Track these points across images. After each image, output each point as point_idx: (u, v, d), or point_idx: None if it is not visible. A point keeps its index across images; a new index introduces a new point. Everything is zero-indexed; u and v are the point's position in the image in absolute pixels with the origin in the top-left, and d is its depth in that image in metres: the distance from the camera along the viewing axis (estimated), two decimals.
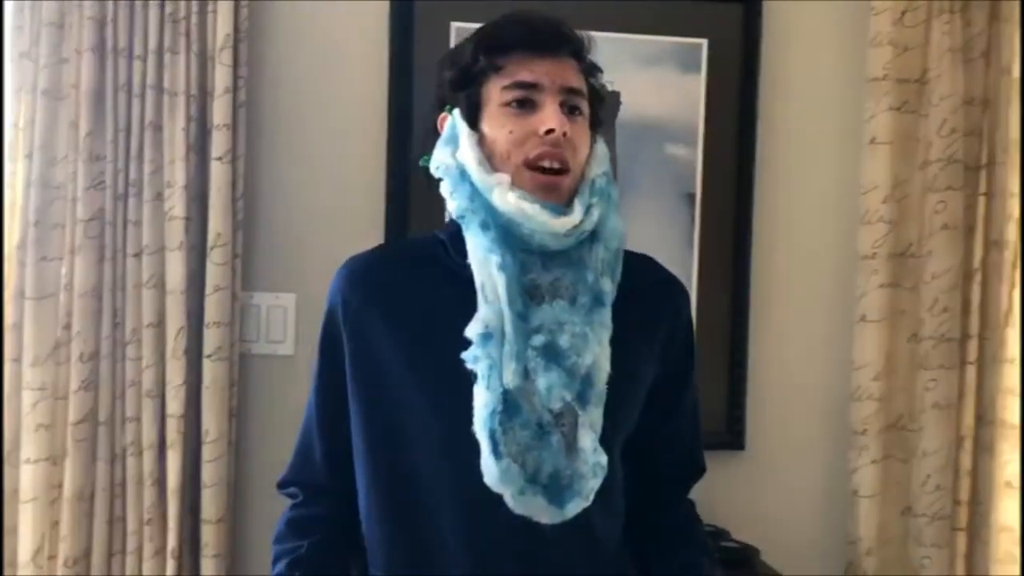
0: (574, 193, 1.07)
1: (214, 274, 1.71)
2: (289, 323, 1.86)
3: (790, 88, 1.95)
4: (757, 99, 1.93)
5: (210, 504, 1.71)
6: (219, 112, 1.70)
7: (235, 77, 1.71)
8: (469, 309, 1.04)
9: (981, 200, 1.91)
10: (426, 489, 1.09)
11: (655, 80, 1.94)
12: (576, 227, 1.04)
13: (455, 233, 1.09)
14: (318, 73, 1.84)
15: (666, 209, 1.93)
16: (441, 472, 1.07)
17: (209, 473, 1.70)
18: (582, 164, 1.07)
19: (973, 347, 1.91)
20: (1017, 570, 1.90)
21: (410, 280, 1.13)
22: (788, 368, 1.97)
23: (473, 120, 1.08)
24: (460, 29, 1.89)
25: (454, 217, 1.09)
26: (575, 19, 1.95)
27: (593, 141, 1.11)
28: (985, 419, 1.92)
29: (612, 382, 1.06)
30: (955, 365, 1.90)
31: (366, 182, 1.86)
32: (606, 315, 1.06)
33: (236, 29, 1.71)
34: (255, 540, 1.81)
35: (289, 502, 1.22)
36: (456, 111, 1.10)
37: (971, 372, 1.91)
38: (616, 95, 1.92)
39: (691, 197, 1.95)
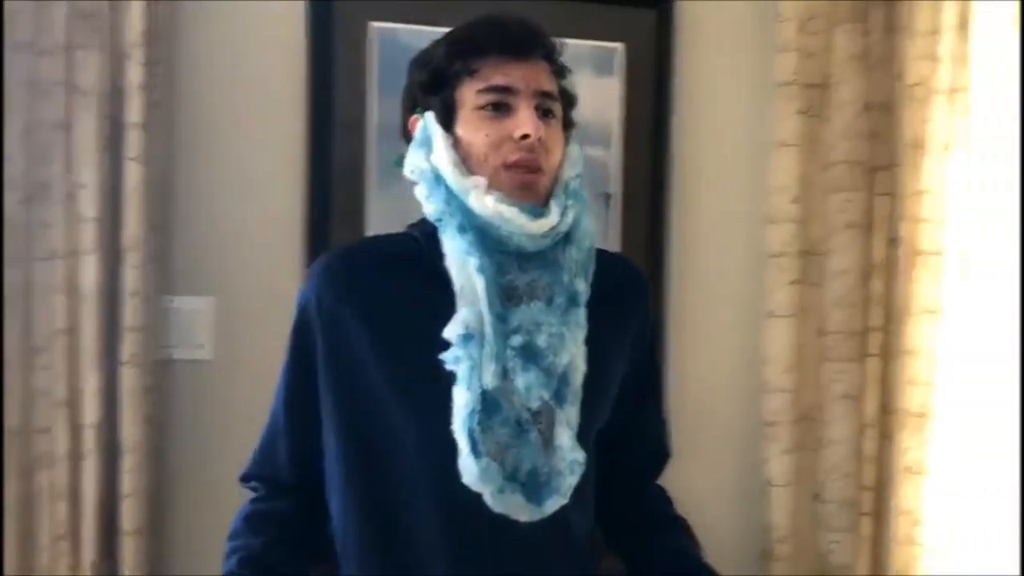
0: (549, 194, 1.09)
1: (130, 278, 1.66)
2: (208, 327, 1.82)
3: (703, 92, 2.01)
4: (671, 102, 1.99)
5: (129, 515, 1.66)
6: (133, 110, 1.65)
7: (149, 75, 1.67)
8: (446, 309, 1.06)
9: (880, 200, 2.02)
10: (404, 488, 1.10)
11: (574, 82, 1.98)
12: (553, 228, 1.07)
13: (430, 233, 1.10)
14: (235, 72, 1.81)
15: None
16: (419, 471, 1.09)
17: (127, 483, 1.66)
18: (556, 166, 1.10)
19: (875, 340, 2.01)
20: (916, 551, 2.01)
21: (386, 279, 1.14)
22: (702, 362, 2.03)
23: (447, 123, 1.10)
24: (379, 29, 1.89)
25: (431, 220, 1.09)
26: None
27: (565, 143, 1.13)
28: (887, 408, 2.02)
29: (586, 380, 1.09)
30: (859, 357, 1.99)
31: (285, 182, 1.84)
32: (581, 315, 1.10)
33: (150, 25, 1.67)
34: (176, 553, 1.78)
35: (250, 495, 1.22)
36: (429, 114, 1.11)
37: (873, 364, 2.01)
38: None
39: (607, 196, 1.99)
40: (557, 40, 1.15)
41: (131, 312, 1.66)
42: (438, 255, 1.09)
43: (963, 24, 2.01)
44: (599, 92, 1.98)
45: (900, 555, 2.03)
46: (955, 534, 2.03)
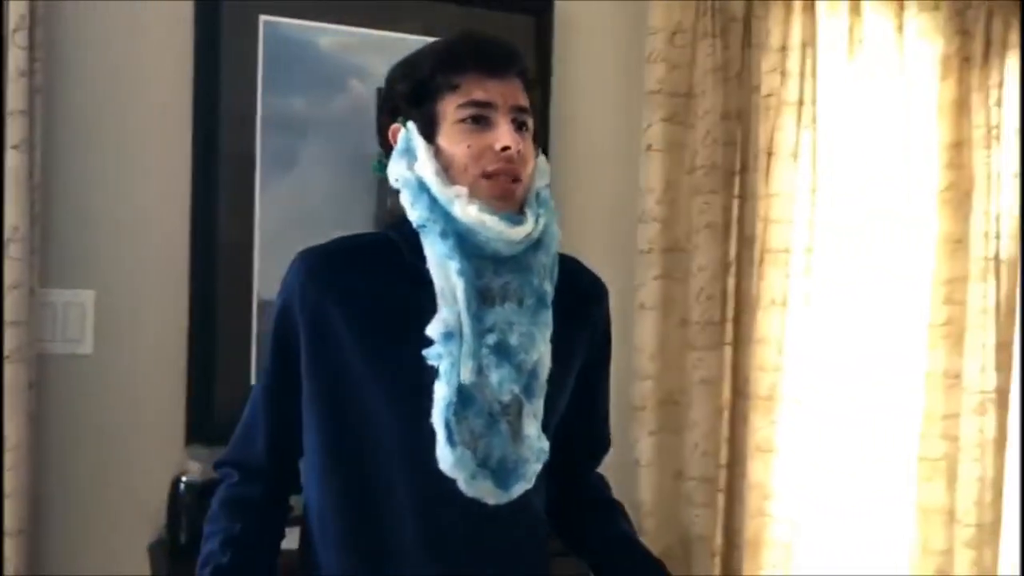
0: (523, 203, 1.15)
1: (11, 270, 1.60)
2: (88, 321, 1.78)
3: (578, 96, 2.13)
4: (549, 107, 2.09)
5: (10, 515, 1.61)
6: (15, 97, 1.60)
7: (31, 60, 1.62)
8: (425, 308, 1.11)
9: (736, 202, 2.20)
10: (383, 474, 1.15)
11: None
12: (528, 235, 1.13)
13: (409, 235, 1.15)
14: (121, 61, 1.78)
15: None
16: (397, 459, 1.14)
17: (8, 482, 1.60)
18: (531, 176, 1.16)
19: (730, 330, 2.20)
20: (766, 521, 2.21)
21: (367, 276, 1.18)
22: None
23: (428, 134, 1.14)
24: (269, 22, 1.90)
25: (415, 226, 1.14)
26: (380, 22, 2.03)
27: (535, 155, 1.19)
28: (740, 392, 2.21)
29: (550, 375, 1.16)
30: (717, 346, 2.17)
31: (171, 174, 1.83)
32: (548, 315, 1.16)
33: (32, 10, 1.61)
34: (57, 553, 1.73)
35: (225, 482, 1.24)
36: (411, 125, 1.15)
37: (728, 352, 2.20)
38: None
39: None
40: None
41: (12, 306, 1.61)
42: (419, 257, 1.14)
43: (810, 42, 2.23)
44: None
45: (752, 526, 2.23)
46: (800, 506, 2.26)
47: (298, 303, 1.18)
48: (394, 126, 1.18)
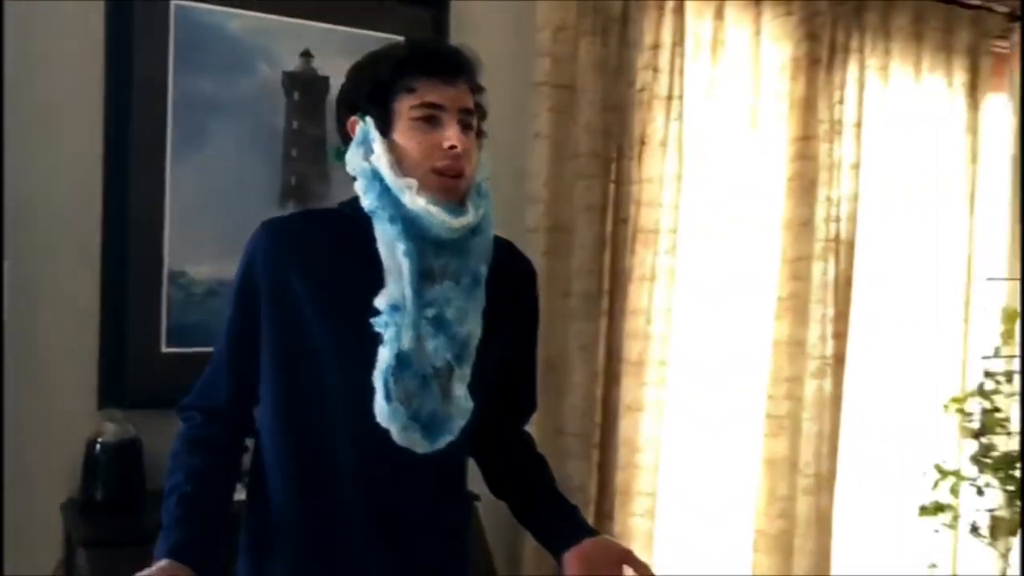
0: (465, 195, 1.31)
1: None
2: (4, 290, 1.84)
3: None
4: (484, 103, 2.24)
5: None
6: None
7: None
8: (374, 282, 1.28)
9: (612, 186, 2.42)
10: (327, 422, 1.32)
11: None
12: (467, 224, 1.29)
13: (363, 216, 1.30)
14: (35, 41, 1.83)
15: None
16: (341, 410, 1.31)
17: None
18: (473, 171, 1.32)
19: (605, 302, 2.43)
20: (635, 472, 2.47)
21: (326, 247, 1.34)
22: None
23: (385, 129, 1.29)
24: (180, 6, 1.99)
25: (367, 211, 1.29)
26: (287, 9, 2.12)
27: (479, 150, 1.35)
28: (613, 358, 2.45)
29: (481, 345, 1.33)
30: (594, 316, 2.40)
31: (83, 152, 1.91)
32: (482, 293, 1.33)
33: None
34: None
35: (188, 424, 1.39)
36: (369, 120, 1.30)
37: (604, 321, 2.43)
38: (325, 80, 2.13)
39: None
40: (477, 61, 1.36)
41: None
42: (370, 236, 1.29)
43: (679, 42, 2.46)
44: None
45: (622, 476, 2.48)
46: (664, 458, 2.53)
47: (261, 268, 1.33)
48: (352, 119, 1.33)
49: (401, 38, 2.15)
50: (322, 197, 2.13)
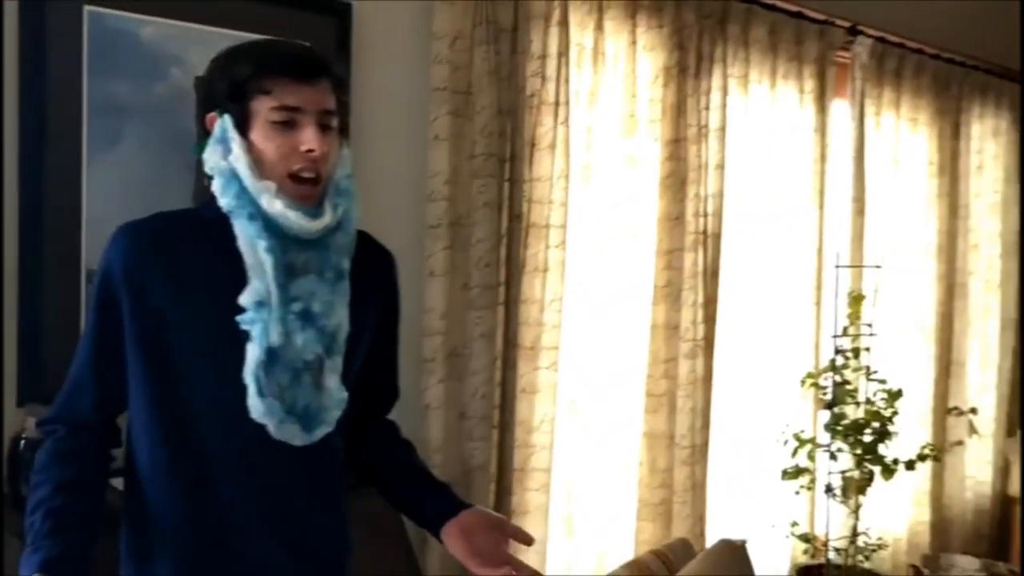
0: (324, 195, 1.34)
1: None
2: None
3: (374, 90, 2.40)
4: (348, 98, 2.36)
5: None
6: None
7: None
8: (236, 279, 1.29)
9: (506, 185, 2.59)
10: (204, 424, 1.34)
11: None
12: (325, 226, 1.32)
13: (222, 216, 1.31)
14: None
15: None
16: (216, 409, 1.34)
17: None
18: (331, 172, 1.35)
19: (502, 292, 2.60)
20: (530, 451, 2.65)
21: (185, 250, 1.35)
22: None
23: (243, 128, 1.30)
24: (93, 12, 2.03)
25: (225, 211, 1.30)
26: (197, 16, 2.17)
27: (340, 146, 1.36)
28: (511, 344, 2.63)
29: (348, 336, 1.36)
30: (492, 305, 2.56)
31: None
32: (346, 286, 1.36)
33: None
34: None
35: (51, 438, 1.37)
36: (228, 118, 1.30)
37: (501, 311, 2.60)
38: None
39: None
40: (334, 62, 1.40)
41: None
42: (230, 235, 1.29)
43: (564, 52, 2.66)
44: None
45: (519, 455, 2.65)
46: (556, 437, 2.73)
47: (121, 274, 1.32)
48: (211, 115, 1.33)
49: (304, 43, 2.32)
50: None
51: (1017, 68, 4.28)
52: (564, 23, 2.64)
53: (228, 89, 1.32)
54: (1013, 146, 4.30)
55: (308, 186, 1.32)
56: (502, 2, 2.51)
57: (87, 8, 2.01)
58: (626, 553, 2.87)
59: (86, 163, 2.04)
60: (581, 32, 2.74)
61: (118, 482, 1.46)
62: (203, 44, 2.17)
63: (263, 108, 1.30)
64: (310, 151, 1.30)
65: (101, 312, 1.37)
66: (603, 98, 2.80)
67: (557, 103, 2.64)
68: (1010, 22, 4.34)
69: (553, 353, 2.68)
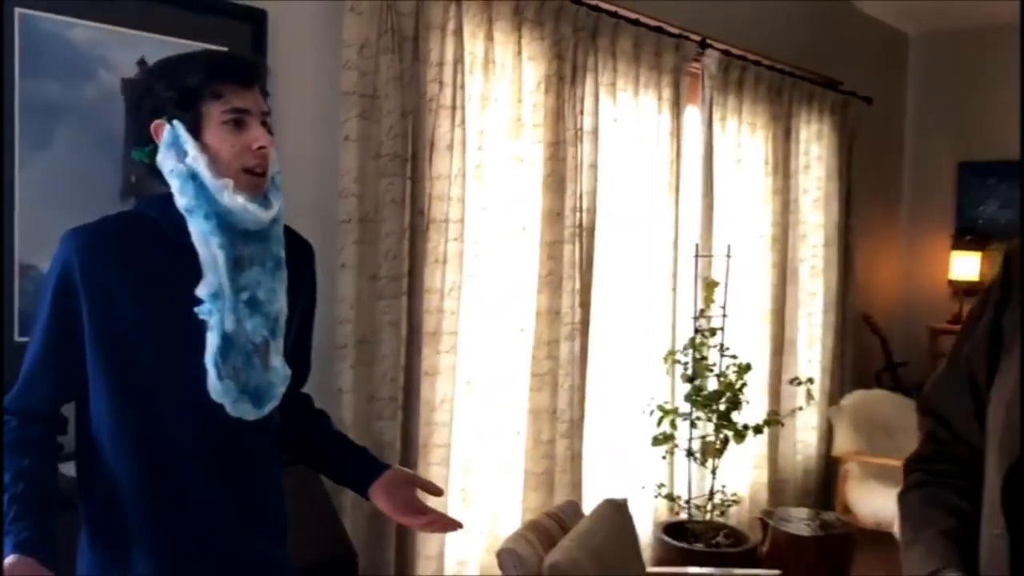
0: (267, 188, 1.47)
1: None
2: None
3: (289, 95, 2.52)
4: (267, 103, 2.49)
5: None
6: None
7: None
8: (190, 273, 1.42)
9: (409, 183, 2.79)
10: (167, 405, 1.47)
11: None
12: (274, 216, 1.47)
13: (173, 214, 1.43)
14: None
15: None
16: (177, 392, 1.46)
17: None
18: (271, 167, 1.48)
19: (406, 282, 2.80)
20: (433, 428, 2.87)
21: (138, 247, 1.46)
22: None
23: (195, 132, 1.41)
24: (24, 15, 2.09)
25: (183, 210, 1.41)
26: (124, 21, 2.26)
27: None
28: (415, 331, 2.83)
29: (288, 320, 1.52)
30: (398, 295, 2.76)
31: None
32: (284, 274, 1.50)
33: None
34: None
35: (4, 428, 1.46)
36: (178, 123, 1.41)
37: (406, 300, 2.80)
38: None
39: None
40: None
41: None
42: (180, 232, 1.42)
43: (460, 60, 2.88)
44: None
45: (423, 433, 2.87)
46: (455, 414, 2.96)
47: (78, 275, 1.41)
48: (157, 122, 1.43)
49: (222, 48, 2.44)
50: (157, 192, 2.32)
51: (836, 79, 4.86)
52: (459, 32, 2.85)
53: (178, 96, 1.43)
54: (834, 148, 4.85)
55: (259, 178, 1.46)
56: (405, 13, 2.70)
57: (18, 10, 2.07)
58: (515, 518, 3.15)
59: (18, 163, 2.10)
60: (474, 41, 2.96)
61: (66, 467, 1.55)
62: (129, 47, 2.28)
63: (215, 111, 1.43)
64: (261, 147, 1.44)
65: (56, 311, 1.45)
66: (493, 102, 3.04)
67: (454, 107, 2.85)
68: (831, 38, 4.91)
69: (452, 338, 2.90)
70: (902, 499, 1.24)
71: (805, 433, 4.79)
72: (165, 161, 1.43)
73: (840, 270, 4.94)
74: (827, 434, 4.79)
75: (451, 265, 2.88)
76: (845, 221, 4.98)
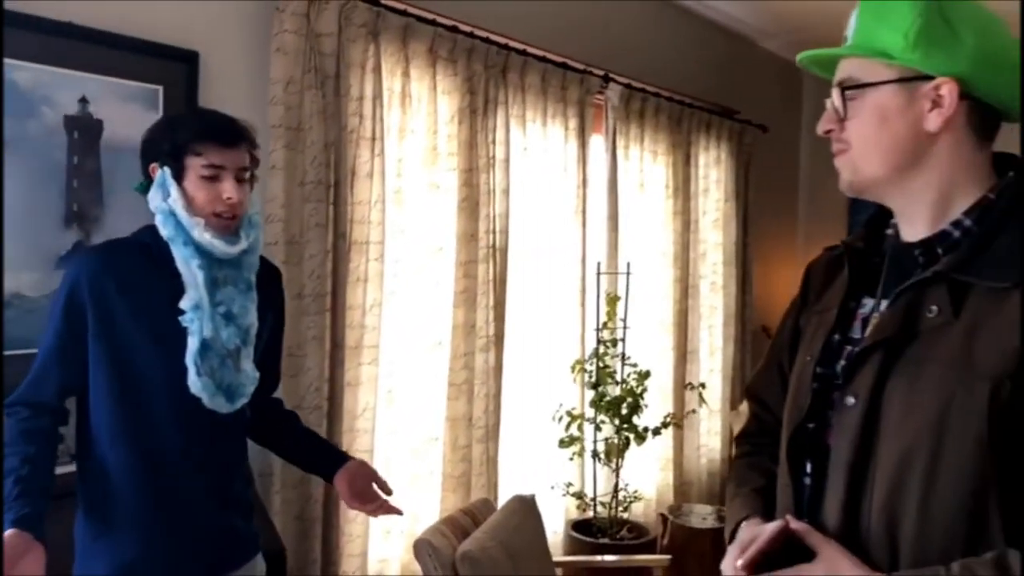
0: (240, 226, 1.80)
1: None
2: None
3: None
4: (258, 156, 2.67)
5: None
6: None
7: None
8: (175, 290, 1.74)
9: (331, 208, 3.03)
10: (154, 397, 1.75)
11: (129, 113, 2.59)
12: (242, 251, 1.79)
13: (157, 241, 1.75)
14: None
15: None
16: (164, 387, 1.75)
17: None
18: (245, 209, 1.81)
19: (330, 300, 3.04)
20: (356, 435, 3.10)
21: (134, 267, 1.76)
22: None
23: (178, 178, 1.75)
24: None
25: (166, 239, 1.73)
26: (69, 62, 2.46)
27: (250, 190, 1.83)
28: (338, 345, 3.06)
29: (257, 331, 1.83)
30: (322, 311, 2.99)
31: None
32: (255, 295, 1.84)
33: None
34: None
35: (15, 417, 1.72)
36: (167, 170, 1.75)
37: (329, 316, 3.03)
38: (100, 122, 2.52)
39: None
40: (252, 127, 1.85)
41: None
42: (167, 257, 1.74)
43: (378, 95, 3.14)
44: (146, 122, 2.61)
45: (346, 439, 3.09)
46: (376, 422, 3.20)
47: (86, 291, 1.73)
48: (153, 165, 1.78)
49: (160, 87, 2.66)
50: (97, 220, 2.51)
51: (733, 108, 5.25)
52: (377, 70, 3.11)
53: (169, 148, 1.75)
54: (732, 172, 5.24)
55: (227, 221, 1.78)
56: (327, 53, 2.96)
57: None
58: (433, 519, 3.38)
59: None
60: (391, 78, 3.22)
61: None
62: (71, 86, 2.48)
63: (195, 165, 1.76)
64: (229, 199, 1.75)
65: (66, 318, 1.75)
66: (410, 133, 3.30)
67: (373, 138, 3.10)
68: (728, 70, 5.30)
69: (373, 351, 3.14)
70: (732, 465, 1.54)
71: (708, 438, 5.14)
72: (153, 198, 1.75)
73: (739, 285, 5.31)
74: (729, 438, 5.14)
75: (372, 283, 3.12)
76: (743, 239, 5.37)
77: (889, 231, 1.34)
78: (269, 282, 1.96)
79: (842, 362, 1.27)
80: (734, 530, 1.35)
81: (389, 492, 2.03)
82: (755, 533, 1.22)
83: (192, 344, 1.73)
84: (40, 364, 1.77)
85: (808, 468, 1.28)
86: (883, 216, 1.36)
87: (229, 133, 1.78)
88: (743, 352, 5.37)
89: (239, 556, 1.92)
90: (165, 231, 1.74)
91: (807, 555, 1.18)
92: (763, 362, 1.54)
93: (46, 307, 2.24)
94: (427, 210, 3.38)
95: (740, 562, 1.17)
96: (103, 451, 1.77)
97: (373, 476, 2.02)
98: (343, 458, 2.03)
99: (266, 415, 2.06)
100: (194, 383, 1.74)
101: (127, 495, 1.76)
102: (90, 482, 1.78)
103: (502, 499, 3.56)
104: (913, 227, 1.26)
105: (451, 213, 3.44)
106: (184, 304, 1.74)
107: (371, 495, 2.00)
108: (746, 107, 5.38)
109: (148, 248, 1.79)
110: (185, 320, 1.74)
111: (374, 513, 2.04)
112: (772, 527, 1.18)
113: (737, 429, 4.57)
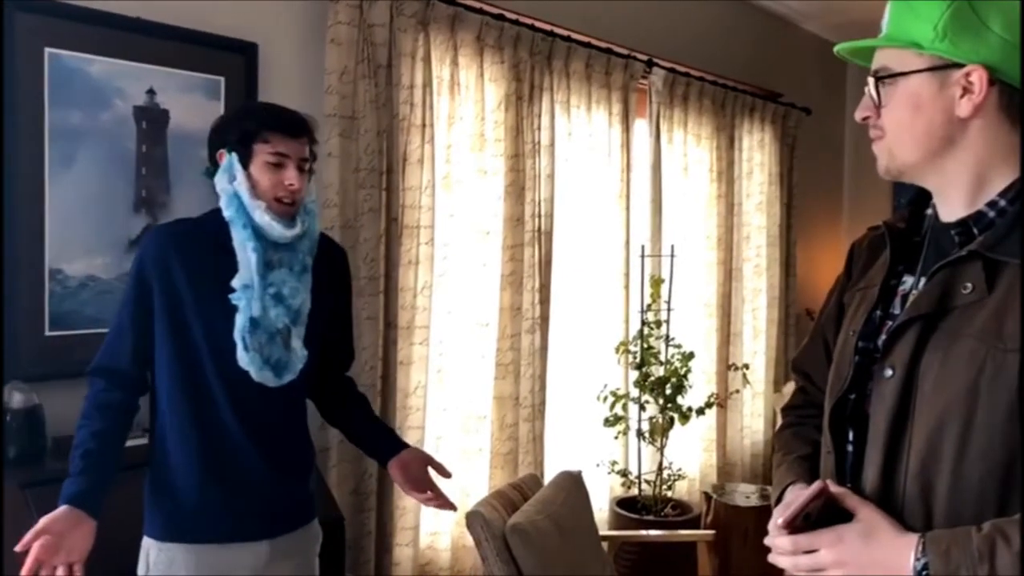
0: (296, 213, 1.89)
1: None
2: None
3: None
4: (316, 149, 2.78)
5: None
6: None
7: None
8: (231, 269, 1.83)
9: (384, 193, 3.13)
10: (207, 370, 1.86)
11: (192, 103, 2.72)
12: (296, 235, 1.88)
13: (220, 223, 1.85)
14: None
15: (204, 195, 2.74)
16: (215, 360, 1.85)
17: None
18: (303, 197, 1.90)
19: (383, 282, 3.14)
20: (408, 412, 3.21)
21: (197, 248, 1.87)
22: None
23: (245, 164, 1.84)
24: (52, 53, 2.41)
25: (227, 220, 1.83)
26: (139, 56, 2.58)
27: (308, 181, 1.92)
28: (391, 325, 3.15)
29: (311, 312, 1.92)
30: (376, 293, 3.08)
31: None
32: (309, 277, 1.91)
33: None
34: None
35: (94, 388, 1.85)
36: (234, 155, 1.84)
37: (382, 297, 3.14)
38: (166, 112, 2.65)
39: None
40: (314, 122, 1.95)
41: None
42: (225, 238, 1.85)
43: (428, 83, 3.23)
44: (210, 111, 2.74)
45: (399, 416, 3.21)
46: (427, 399, 3.30)
47: (151, 265, 1.84)
48: (221, 151, 1.87)
49: (221, 78, 2.78)
50: (164, 205, 2.64)
51: (777, 92, 5.26)
52: (427, 59, 3.20)
53: (239, 136, 1.86)
54: (774, 155, 5.26)
55: (287, 207, 1.88)
56: (379, 43, 3.05)
57: (47, 49, 2.40)
58: (482, 494, 3.48)
59: (48, 181, 2.42)
60: (440, 66, 3.31)
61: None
62: (140, 79, 2.60)
63: (262, 152, 1.86)
64: (291, 185, 1.86)
65: (137, 290, 1.87)
66: (459, 120, 3.39)
67: (423, 125, 3.20)
68: (772, 53, 5.31)
69: (424, 331, 3.24)
70: (778, 435, 1.61)
71: (752, 419, 5.19)
72: (219, 181, 1.85)
73: (782, 268, 5.34)
74: (773, 420, 5.18)
75: (423, 266, 3.22)
76: (787, 222, 5.39)
77: (929, 211, 1.40)
78: (332, 262, 2.06)
79: (883, 336, 1.33)
80: (780, 495, 1.43)
81: (447, 475, 2.11)
82: (798, 496, 1.30)
83: (240, 321, 1.82)
84: (115, 332, 1.88)
85: (851, 436, 1.34)
86: (924, 197, 1.42)
87: (295, 124, 1.89)
88: (786, 335, 5.40)
89: (295, 519, 2.01)
90: (228, 212, 1.83)
91: (846, 518, 1.25)
92: (808, 338, 1.61)
93: (118, 288, 2.39)
94: (475, 195, 3.47)
95: (780, 520, 1.25)
96: (165, 419, 1.88)
97: (429, 461, 2.10)
98: (400, 446, 2.10)
99: (338, 395, 2.15)
100: (242, 357, 1.83)
101: (184, 460, 1.87)
102: (156, 448, 1.90)
103: (548, 476, 3.65)
104: (950, 208, 1.32)
105: (498, 197, 3.53)
106: (235, 283, 1.83)
107: (426, 482, 2.08)
108: (789, 90, 5.39)
109: (211, 229, 1.88)
110: (234, 298, 1.82)
111: (427, 504, 2.12)
112: (811, 489, 1.25)
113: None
